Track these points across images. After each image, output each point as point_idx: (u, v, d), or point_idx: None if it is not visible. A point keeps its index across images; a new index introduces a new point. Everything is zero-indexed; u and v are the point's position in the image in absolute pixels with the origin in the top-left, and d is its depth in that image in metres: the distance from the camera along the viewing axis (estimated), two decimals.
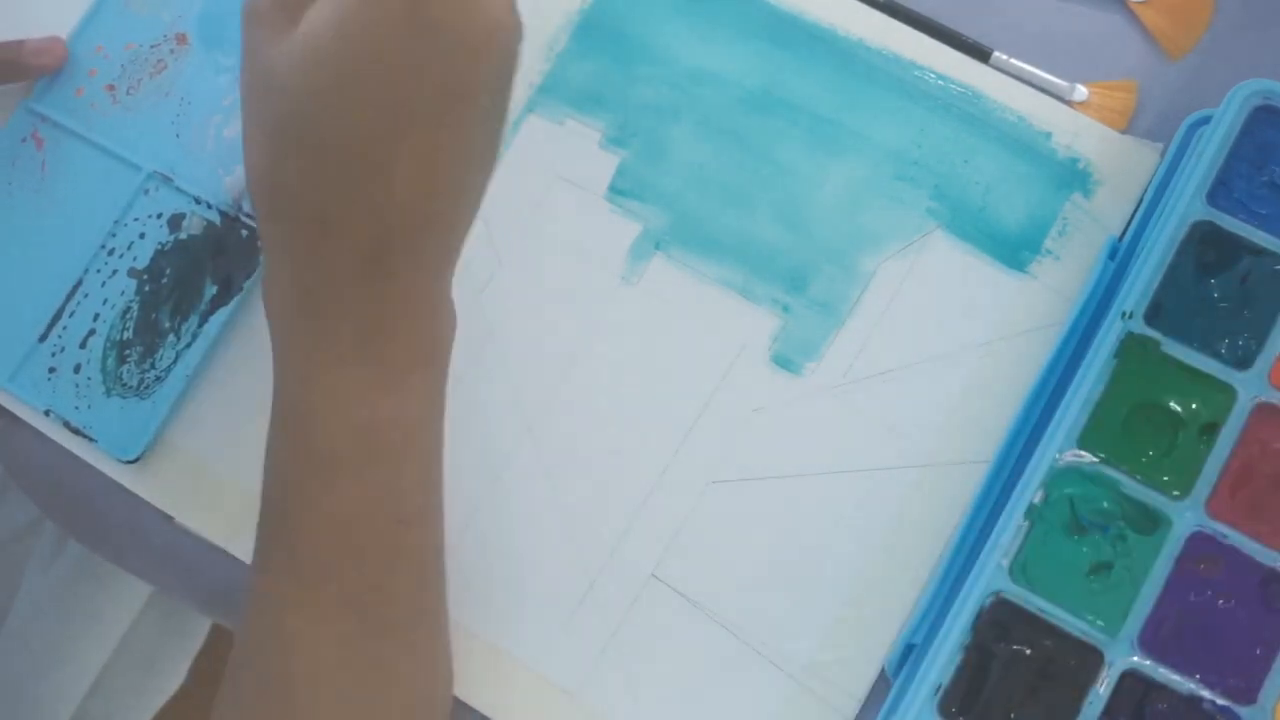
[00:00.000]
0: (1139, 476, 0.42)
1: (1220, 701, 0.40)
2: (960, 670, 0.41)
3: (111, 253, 0.50)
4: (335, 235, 0.36)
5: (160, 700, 0.74)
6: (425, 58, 0.34)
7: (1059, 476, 0.42)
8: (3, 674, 0.63)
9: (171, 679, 0.74)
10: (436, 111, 0.35)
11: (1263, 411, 0.42)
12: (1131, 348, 0.43)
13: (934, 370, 0.46)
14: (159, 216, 0.50)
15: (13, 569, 0.62)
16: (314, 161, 0.35)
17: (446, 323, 0.41)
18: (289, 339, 0.38)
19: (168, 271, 0.49)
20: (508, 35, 0.35)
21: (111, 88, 0.52)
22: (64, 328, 0.49)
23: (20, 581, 0.62)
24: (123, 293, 0.49)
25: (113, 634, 0.66)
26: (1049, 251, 0.47)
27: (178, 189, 0.50)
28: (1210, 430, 0.42)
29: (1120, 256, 0.46)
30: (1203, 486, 0.42)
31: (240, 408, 0.48)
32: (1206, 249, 0.44)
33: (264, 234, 0.38)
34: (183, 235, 0.50)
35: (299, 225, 0.36)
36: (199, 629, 0.74)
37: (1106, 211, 0.47)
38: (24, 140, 0.52)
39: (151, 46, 0.52)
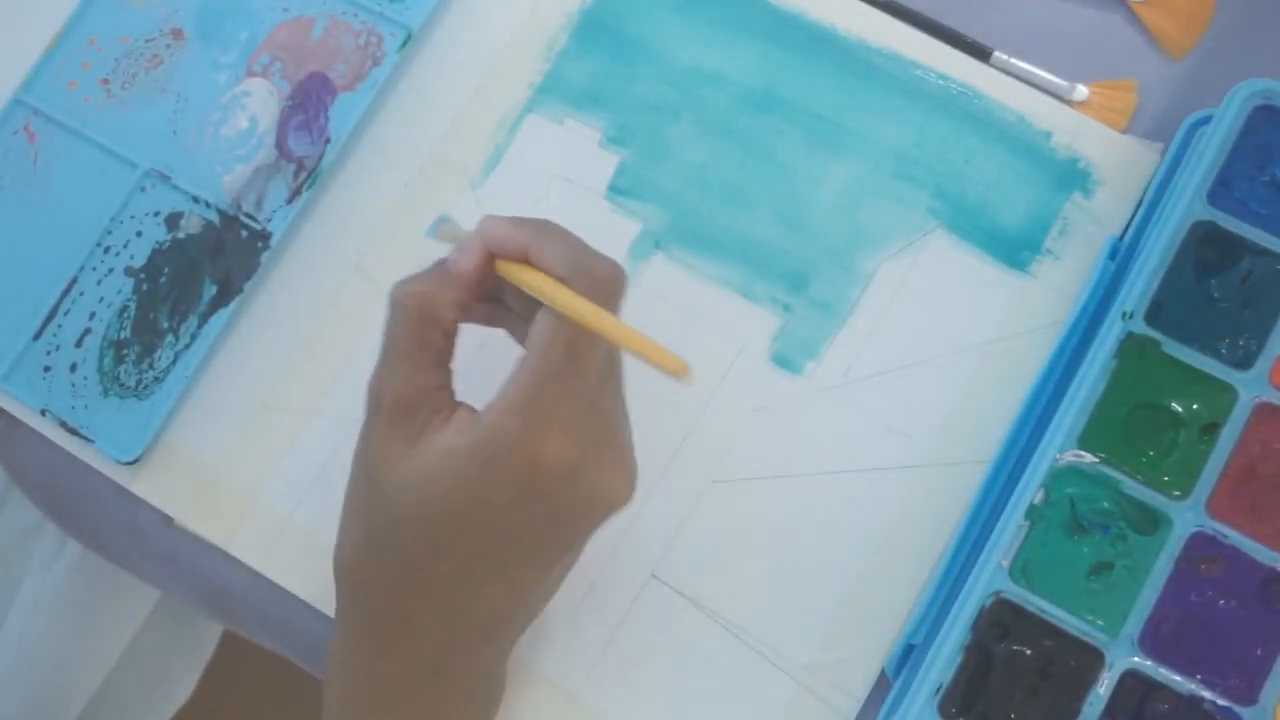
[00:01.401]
0: (1139, 476, 0.42)
1: (1221, 702, 0.40)
2: (960, 670, 0.41)
3: (108, 250, 0.50)
4: (407, 637, 0.38)
5: (170, 709, 0.73)
6: (531, 523, 0.36)
7: (1059, 476, 0.42)
8: (4, 678, 0.63)
9: (181, 688, 0.73)
10: (531, 562, 0.37)
11: (1263, 411, 0.42)
12: (1132, 348, 0.43)
13: (934, 370, 0.46)
14: (156, 214, 0.50)
15: (15, 572, 0.62)
16: (401, 575, 0.37)
17: (496, 695, 0.42)
18: (348, 704, 0.39)
19: (166, 271, 0.49)
20: (622, 502, 0.37)
21: (106, 82, 0.52)
22: (59, 326, 0.49)
23: (22, 585, 0.62)
24: (119, 291, 0.49)
25: (118, 640, 0.66)
26: (1049, 251, 0.47)
27: (175, 187, 0.50)
28: (1211, 430, 0.42)
29: (1120, 256, 0.46)
30: (1203, 486, 0.42)
31: (240, 409, 0.48)
32: (1207, 249, 0.44)
33: (340, 608, 0.39)
34: (181, 234, 0.49)
35: (374, 620, 0.38)
36: (209, 638, 0.74)
37: (1107, 211, 0.47)
38: (15, 133, 0.51)
39: (147, 41, 0.52)
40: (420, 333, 0.37)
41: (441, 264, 0.38)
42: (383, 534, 0.37)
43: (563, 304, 0.35)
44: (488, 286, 0.38)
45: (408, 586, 0.37)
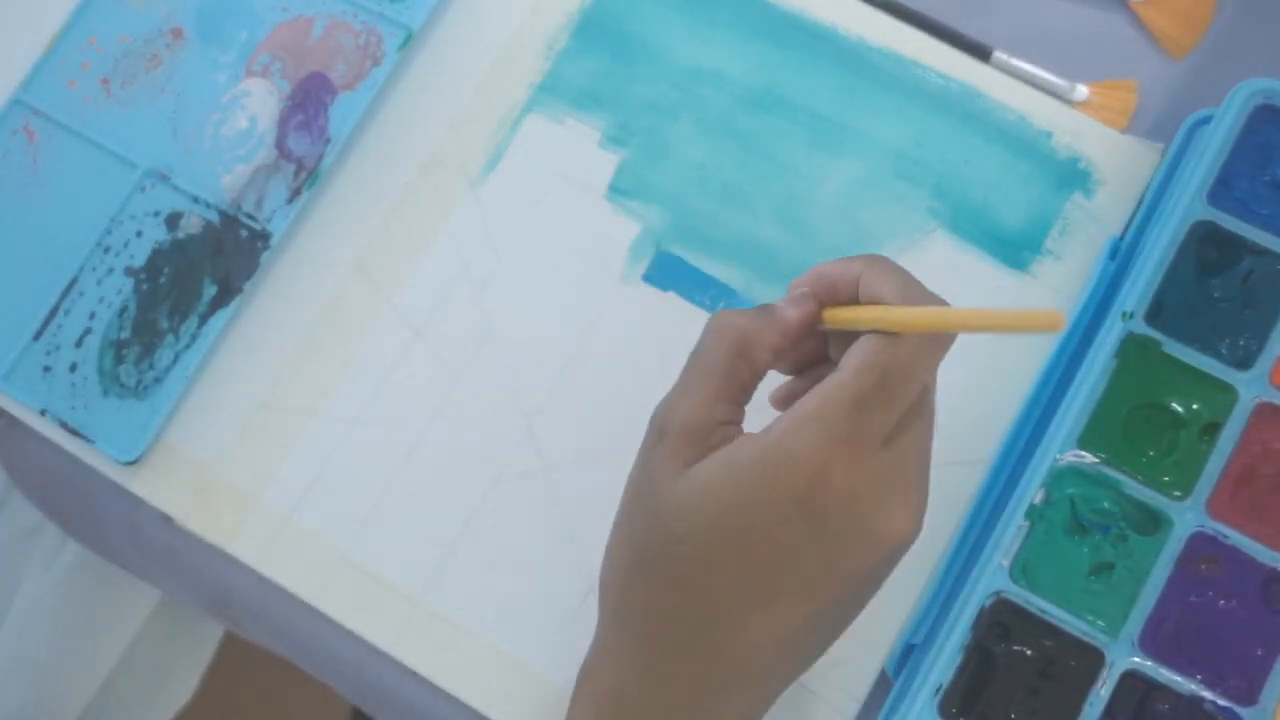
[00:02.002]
0: (1140, 477, 0.42)
1: (1221, 702, 0.40)
2: (961, 671, 0.41)
3: (107, 250, 0.50)
4: (665, 661, 0.36)
5: (171, 710, 0.73)
6: (804, 544, 0.34)
7: (1059, 476, 0.42)
8: (4, 678, 0.63)
9: (182, 689, 0.73)
10: (801, 591, 0.35)
11: (1264, 411, 0.42)
12: (1132, 348, 0.43)
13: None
14: (156, 214, 0.50)
15: (15, 572, 0.62)
16: (667, 594, 0.36)
17: None
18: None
19: (165, 271, 0.49)
20: (901, 541, 0.35)
21: (105, 81, 0.52)
22: (58, 326, 0.49)
23: (22, 585, 0.62)
24: (119, 291, 0.49)
25: (118, 640, 0.66)
26: (1050, 251, 0.47)
27: (175, 187, 0.50)
28: (1211, 430, 0.42)
29: (1121, 256, 0.46)
30: (1204, 487, 0.42)
31: (240, 409, 0.48)
32: (1207, 249, 0.44)
33: (601, 625, 0.38)
34: (180, 234, 0.49)
35: (636, 637, 0.37)
36: (210, 639, 0.74)
37: (1107, 211, 0.47)
38: (15, 133, 0.51)
39: (146, 40, 0.52)
40: (730, 364, 0.36)
41: (767, 307, 0.37)
42: (655, 552, 0.36)
43: (898, 316, 0.34)
44: (807, 338, 0.37)
45: (674, 605, 0.36)
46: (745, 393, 0.37)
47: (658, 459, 0.36)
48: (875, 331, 0.34)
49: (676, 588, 0.35)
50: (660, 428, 0.37)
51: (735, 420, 0.37)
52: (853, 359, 0.34)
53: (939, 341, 0.34)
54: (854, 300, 0.36)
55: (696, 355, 0.37)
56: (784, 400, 0.40)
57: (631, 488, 0.37)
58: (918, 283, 0.36)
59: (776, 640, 0.35)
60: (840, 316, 0.36)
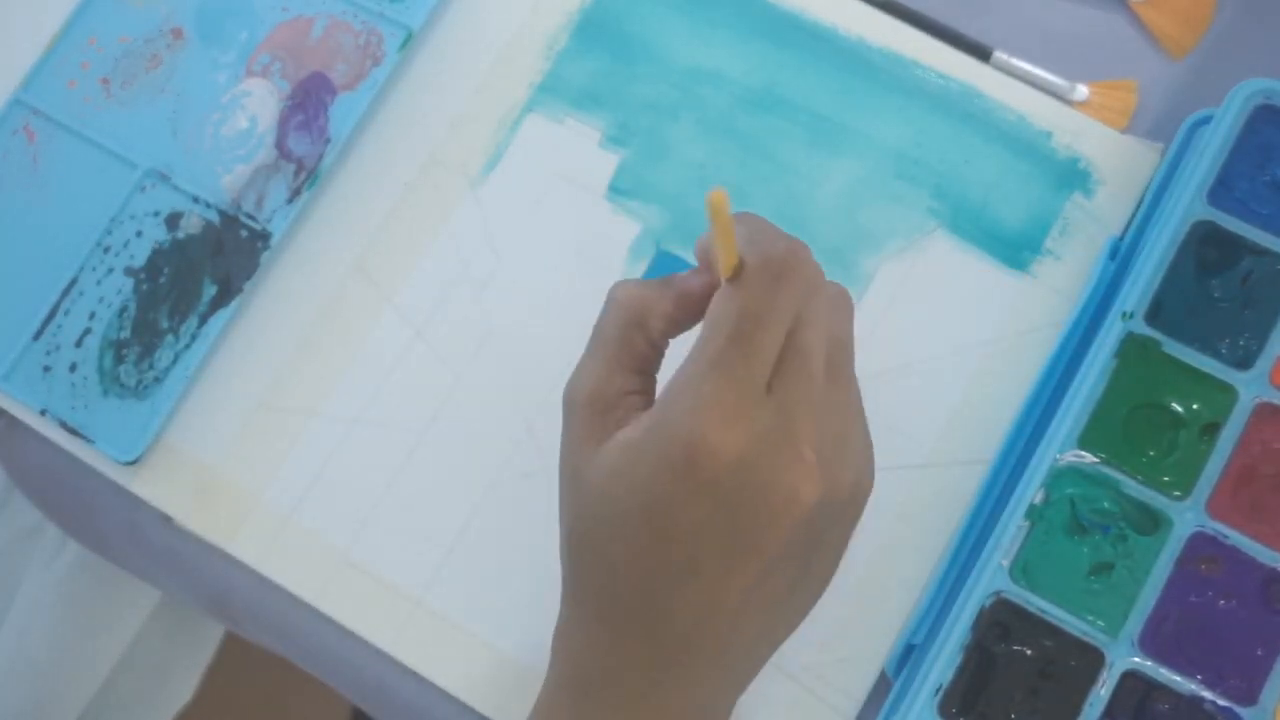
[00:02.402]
0: (1140, 476, 0.42)
1: (1221, 702, 0.40)
2: (961, 671, 0.41)
3: (107, 250, 0.50)
4: (614, 638, 0.36)
5: (171, 710, 0.73)
6: (709, 516, 0.33)
7: (1059, 476, 0.42)
8: (4, 678, 0.63)
9: (182, 689, 0.73)
10: (722, 565, 0.34)
11: (1264, 411, 0.42)
12: (1132, 348, 0.43)
13: (934, 370, 0.46)
14: (156, 214, 0.50)
15: (15, 572, 0.62)
16: (601, 573, 0.35)
17: None
18: (554, 689, 0.38)
19: (165, 271, 0.49)
20: (808, 501, 0.34)
21: (105, 81, 0.52)
22: (58, 326, 0.49)
23: (22, 585, 0.62)
24: (119, 291, 0.49)
25: (118, 640, 0.66)
26: (1050, 251, 0.47)
27: (175, 187, 0.50)
28: (1211, 430, 0.42)
29: (1121, 256, 0.46)
30: (1204, 487, 0.42)
31: (240, 409, 0.48)
32: (1207, 249, 0.44)
33: (563, 588, 0.38)
34: (180, 234, 0.49)
35: (588, 612, 0.37)
36: (210, 639, 0.74)
37: (1107, 211, 0.47)
38: (15, 133, 0.51)
39: (146, 40, 0.52)
40: (625, 334, 0.36)
41: (672, 276, 0.37)
42: (583, 535, 0.36)
43: (704, 250, 0.33)
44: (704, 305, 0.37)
45: (608, 584, 0.35)
46: (647, 361, 0.37)
47: (571, 437, 0.36)
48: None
49: (607, 567, 0.35)
50: (568, 402, 0.36)
51: (641, 390, 0.36)
52: (706, 319, 0.34)
53: (776, 279, 0.33)
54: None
55: (596, 328, 0.37)
56: None
57: (559, 466, 0.37)
58: (764, 228, 0.35)
59: (714, 620, 0.35)
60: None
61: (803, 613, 0.38)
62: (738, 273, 0.34)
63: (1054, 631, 0.41)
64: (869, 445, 0.37)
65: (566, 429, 0.36)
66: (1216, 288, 0.44)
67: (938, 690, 0.41)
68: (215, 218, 0.49)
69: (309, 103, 0.50)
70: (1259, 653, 0.40)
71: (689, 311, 0.37)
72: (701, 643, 0.35)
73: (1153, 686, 0.40)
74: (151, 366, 0.48)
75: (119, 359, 0.48)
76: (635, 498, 0.34)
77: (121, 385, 0.48)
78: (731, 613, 0.35)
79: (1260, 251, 0.44)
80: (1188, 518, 0.42)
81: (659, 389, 0.36)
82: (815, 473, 0.34)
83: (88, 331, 0.49)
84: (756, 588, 0.35)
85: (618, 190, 0.49)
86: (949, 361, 0.46)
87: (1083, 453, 0.42)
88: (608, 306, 0.37)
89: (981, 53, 0.49)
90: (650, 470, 0.33)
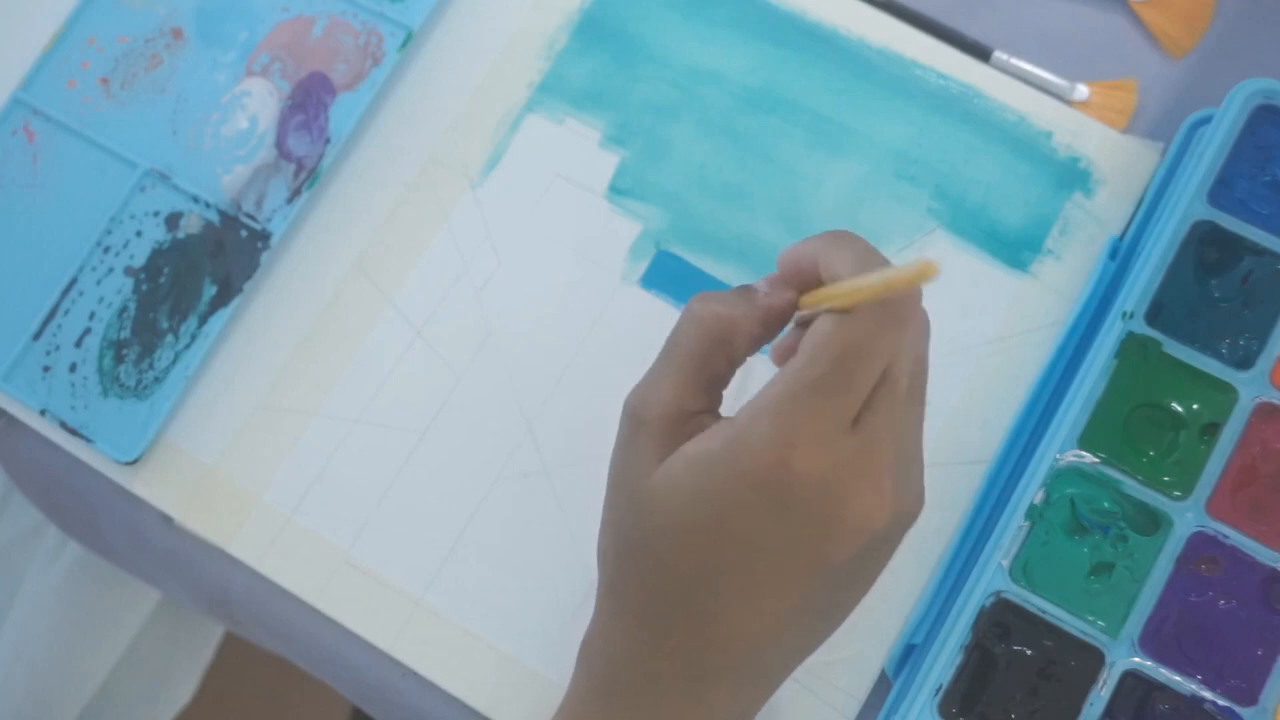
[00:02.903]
0: (1140, 476, 0.42)
1: (1221, 702, 0.40)
2: (961, 671, 0.41)
3: (107, 250, 0.50)
4: (655, 647, 0.36)
5: (171, 710, 0.73)
6: (775, 534, 0.33)
7: (1059, 476, 0.42)
8: (4, 678, 0.63)
9: (183, 689, 0.73)
10: (778, 582, 0.34)
11: (1264, 411, 0.42)
12: (1132, 348, 0.43)
13: (934, 370, 0.46)
14: (156, 214, 0.50)
15: (15, 572, 0.62)
16: (651, 582, 0.35)
17: None
18: (584, 693, 0.38)
19: (165, 271, 0.49)
20: (878, 528, 0.34)
21: (105, 81, 0.52)
22: (58, 326, 0.49)
23: (22, 585, 0.62)
24: (119, 291, 0.49)
25: (118, 640, 0.66)
26: (1050, 251, 0.47)
27: (175, 187, 0.50)
28: (1211, 430, 0.42)
29: (1121, 256, 0.46)
30: (1204, 487, 0.42)
31: (240, 409, 0.48)
32: (1207, 249, 0.44)
33: (599, 592, 0.38)
34: (180, 234, 0.49)
35: (631, 620, 0.36)
36: (210, 639, 0.74)
37: (1107, 211, 0.47)
38: (15, 133, 0.51)
39: (146, 40, 0.52)
40: (707, 352, 0.36)
41: (747, 289, 0.36)
42: (637, 543, 0.35)
43: (839, 291, 0.32)
44: (785, 324, 0.37)
45: (658, 592, 0.35)
46: (722, 381, 0.37)
47: (634, 451, 0.36)
48: (830, 311, 0.33)
49: (659, 576, 0.35)
50: (635, 418, 0.36)
51: (710, 409, 0.36)
52: (806, 342, 0.33)
53: (892, 315, 0.33)
54: (821, 284, 0.35)
55: (672, 342, 0.36)
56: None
57: (612, 478, 0.37)
58: (875, 254, 0.34)
59: (760, 631, 0.35)
60: (810, 301, 0.35)
61: (835, 628, 0.38)
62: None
63: (1054, 631, 0.41)
64: (923, 469, 0.37)
65: (629, 442, 0.36)
66: (1216, 288, 0.44)
67: (938, 690, 0.41)
68: (215, 218, 0.49)
69: (309, 103, 0.50)
70: (1259, 653, 0.40)
71: (770, 329, 0.36)
72: (742, 655, 0.35)
73: (1153, 686, 0.40)
74: (151, 366, 0.48)
75: (119, 359, 0.48)
76: (703, 509, 0.34)
77: (121, 385, 0.48)
78: (774, 627, 0.35)
79: (1260, 251, 0.44)
80: (1188, 518, 0.42)
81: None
82: (890, 501, 0.34)
83: (88, 331, 0.49)
84: (802, 604, 0.35)
85: (618, 190, 0.49)
86: (949, 361, 0.46)
87: (1083, 453, 0.42)
88: (688, 323, 0.36)
89: (981, 53, 0.49)
90: (724, 483, 0.33)
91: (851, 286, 0.33)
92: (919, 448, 0.36)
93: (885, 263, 0.34)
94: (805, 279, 0.36)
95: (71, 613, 0.63)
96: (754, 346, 0.36)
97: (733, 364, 0.36)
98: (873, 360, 0.33)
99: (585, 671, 0.38)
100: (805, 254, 0.35)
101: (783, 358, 0.38)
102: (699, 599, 0.35)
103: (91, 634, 0.64)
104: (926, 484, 0.45)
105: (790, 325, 0.37)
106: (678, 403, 0.35)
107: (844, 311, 0.33)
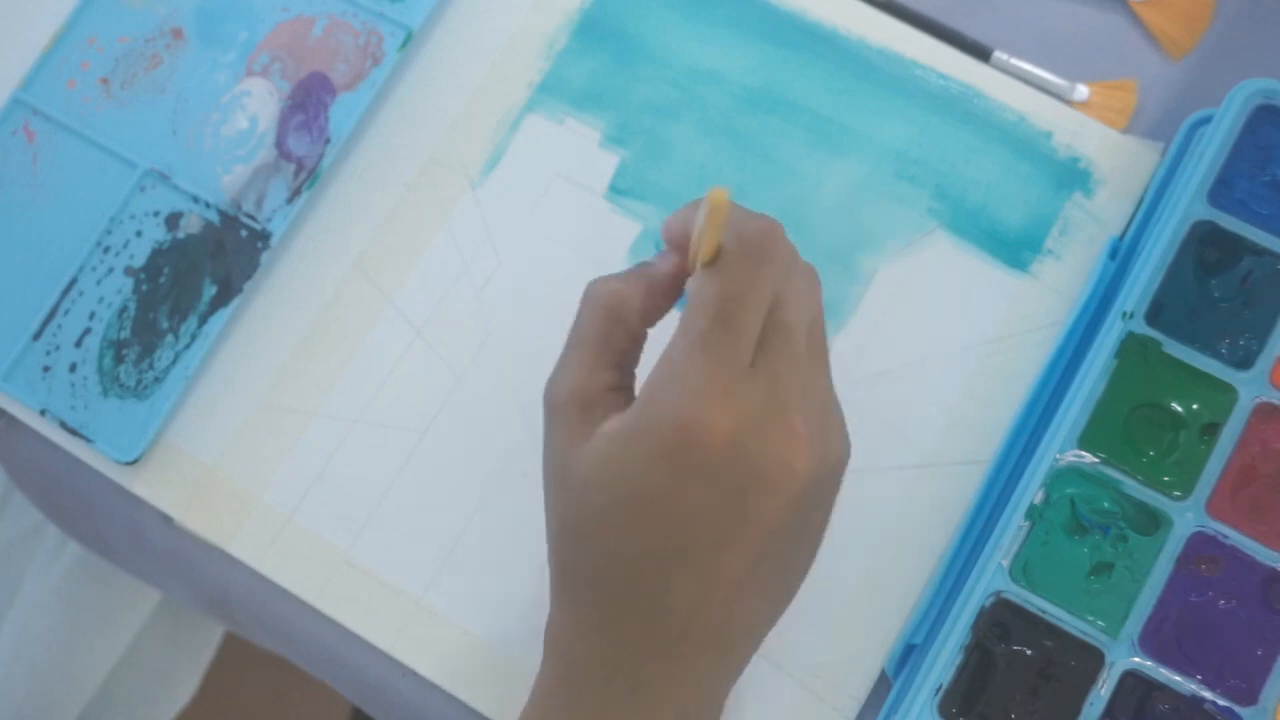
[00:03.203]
0: (1140, 477, 0.42)
1: (1221, 702, 0.40)
2: (961, 671, 0.41)
3: (107, 250, 0.50)
4: (610, 629, 0.36)
5: (171, 710, 0.73)
6: (704, 497, 0.33)
7: (1059, 476, 0.42)
8: (4, 678, 0.63)
9: (183, 689, 0.73)
10: (718, 546, 0.34)
11: (1264, 411, 0.42)
12: (1132, 348, 0.43)
13: (934, 370, 0.46)
14: (156, 214, 0.50)
15: (15, 572, 0.62)
16: (597, 564, 0.35)
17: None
18: (550, 685, 0.38)
19: (165, 271, 0.49)
20: (801, 470, 0.34)
21: (105, 81, 0.52)
22: (58, 326, 0.49)
23: (22, 585, 0.62)
24: (119, 291, 0.49)
25: (118, 641, 0.66)
26: (1050, 251, 0.47)
27: (175, 187, 0.50)
28: (1211, 430, 0.42)
29: (1121, 256, 0.46)
30: (1204, 487, 0.42)
31: (240, 409, 0.48)
32: (1207, 249, 0.44)
33: (551, 583, 0.38)
34: (180, 234, 0.49)
35: (583, 605, 0.36)
36: (211, 639, 0.74)
37: (1107, 211, 0.47)
38: (15, 133, 0.51)
39: (146, 40, 0.52)
40: (605, 329, 0.36)
41: (641, 264, 0.37)
42: (575, 528, 0.35)
43: (692, 245, 0.33)
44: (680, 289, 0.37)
45: (604, 573, 0.35)
46: (627, 357, 0.37)
47: (554, 439, 0.36)
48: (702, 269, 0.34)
49: (603, 560, 0.35)
50: (549, 405, 0.36)
51: (622, 385, 0.36)
52: (688, 301, 0.34)
53: (755, 258, 0.34)
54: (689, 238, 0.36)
55: (574, 326, 0.37)
56: None
57: (544, 473, 0.37)
58: (738, 211, 0.35)
59: (715, 603, 0.35)
60: (689, 263, 0.36)
61: (793, 592, 0.38)
62: (717, 256, 0.34)
63: (1054, 631, 0.41)
64: (843, 418, 0.37)
65: (549, 430, 0.36)
66: (1216, 288, 0.44)
67: (938, 690, 0.41)
68: (215, 218, 0.49)
69: (309, 102, 0.50)
70: (1259, 653, 0.40)
71: (665, 297, 0.37)
72: (699, 627, 0.35)
73: (1153, 686, 0.40)
74: (151, 366, 0.48)
75: (119, 359, 0.48)
76: (628, 485, 0.34)
77: (121, 385, 0.48)
78: (727, 594, 0.35)
79: (1260, 251, 0.44)
80: (1188, 518, 0.42)
81: (637, 383, 0.36)
82: (806, 445, 0.34)
83: (88, 331, 0.49)
84: (752, 567, 0.35)
85: (618, 190, 0.49)
86: (949, 361, 0.46)
87: (1083, 453, 0.42)
88: (583, 304, 0.37)
89: (981, 53, 0.49)
90: (643, 456, 0.33)
91: (696, 235, 0.33)
92: (830, 396, 0.36)
93: (747, 215, 0.35)
94: (676, 238, 0.36)
95: (71, 613, 0.63)
96: (653, 318, 0.37)
97: (634, 338, 0.37)
98: (747, 299, 0.33)
99: (550, 664, 0.38)
100: (680, 220, 0.36)
101: None
102: (647, 578, 0.35)
103: (91, 634, 0.64)
104: (927, 484, 0.45)
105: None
106: (585, 383, 0.36)
107: (710, 267, 0.34)
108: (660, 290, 0.36)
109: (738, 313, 0.33)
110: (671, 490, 0.33)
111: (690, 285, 0.34)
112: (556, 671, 0.37)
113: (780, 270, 0.35)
